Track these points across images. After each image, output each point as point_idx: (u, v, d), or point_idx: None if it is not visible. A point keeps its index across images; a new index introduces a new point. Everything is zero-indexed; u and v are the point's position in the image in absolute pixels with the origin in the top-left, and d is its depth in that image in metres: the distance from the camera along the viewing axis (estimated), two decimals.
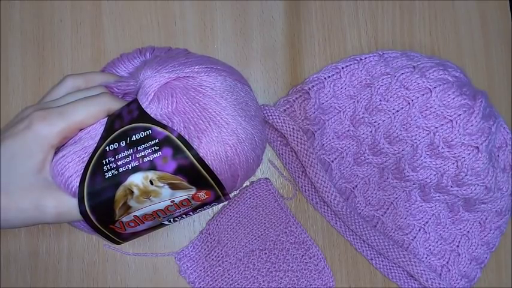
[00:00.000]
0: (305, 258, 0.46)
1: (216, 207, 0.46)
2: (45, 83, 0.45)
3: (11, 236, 0.44)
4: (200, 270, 0.45)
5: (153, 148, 0.33)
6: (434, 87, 0.41)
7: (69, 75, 0.38)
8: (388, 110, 0.43)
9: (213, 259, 0.45)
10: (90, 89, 0.37)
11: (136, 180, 0.33)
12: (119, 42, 0.46)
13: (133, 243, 0.44)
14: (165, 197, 0.34)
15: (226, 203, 0.45)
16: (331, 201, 0.43)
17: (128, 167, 0.33)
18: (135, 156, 0.33)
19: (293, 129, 0.43)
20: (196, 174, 0.34)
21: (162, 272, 0.45)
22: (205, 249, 0.45)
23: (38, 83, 0.45)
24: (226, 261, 0.45)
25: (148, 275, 0.45)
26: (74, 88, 0.38)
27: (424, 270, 0.44)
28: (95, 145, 0.34)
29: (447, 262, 0.45)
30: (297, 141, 0.43)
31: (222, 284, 0.45)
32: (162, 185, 0.34)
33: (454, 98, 0.41)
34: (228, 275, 0.45)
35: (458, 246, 0.46)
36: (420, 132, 0.42)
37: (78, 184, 0.34)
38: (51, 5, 0.46)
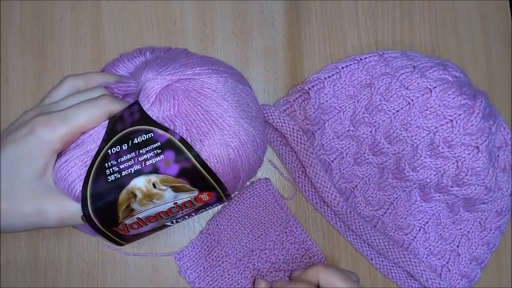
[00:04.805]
0: (305, 258, 0.46)
1: (217, 207, 0.46)
2: (45, 83, 0.45)
3: (11, 236, 0.44)
4: (200, 270, 0.45)
5: (155, 151, 0.33)
6: (435, 87, 0.41)
7: (68, 75, 0.38)
8: (388, 110, 0.43)
9: (213, 259, 0.45)
10: (91, 90, 0.36)
11: (139, 183, 0.33)
12: (119, 42, 0.46)
13: (133, 243, 0.44)
14: (168, 199, 0.34)
15: (226, 202, 0.45)
16: (331, 201, 0.43)
17: (131, 170, 0.33)
18: (138, 159, 0.33)
19: (293, 129, 0.43)
20: (198, 176, 0.34)
21: (162, 272, 0.45)
22: (205, 249, 0.45)
23: (38, 83, 0.45)
24: (226, 261, 0.45)
25: (148, 275, 0.45)
26: (74, 89, 0.37)
27: (424, 270, 0.44)
28: (97, 148, 0.34)
29: (447, 262, 0.45)
30: (297, 141, 0.43)
31: (222, 284, 0.44)
32: (164, 187, 0.33)
33: (454, 98, 0.41)
34: (228, 275, 0.45)
35: (458, 246, 0.46)
36: (420, 132, 0.41)
37: (81, 188, 0.33)
38: (51, 5, 0.46)
